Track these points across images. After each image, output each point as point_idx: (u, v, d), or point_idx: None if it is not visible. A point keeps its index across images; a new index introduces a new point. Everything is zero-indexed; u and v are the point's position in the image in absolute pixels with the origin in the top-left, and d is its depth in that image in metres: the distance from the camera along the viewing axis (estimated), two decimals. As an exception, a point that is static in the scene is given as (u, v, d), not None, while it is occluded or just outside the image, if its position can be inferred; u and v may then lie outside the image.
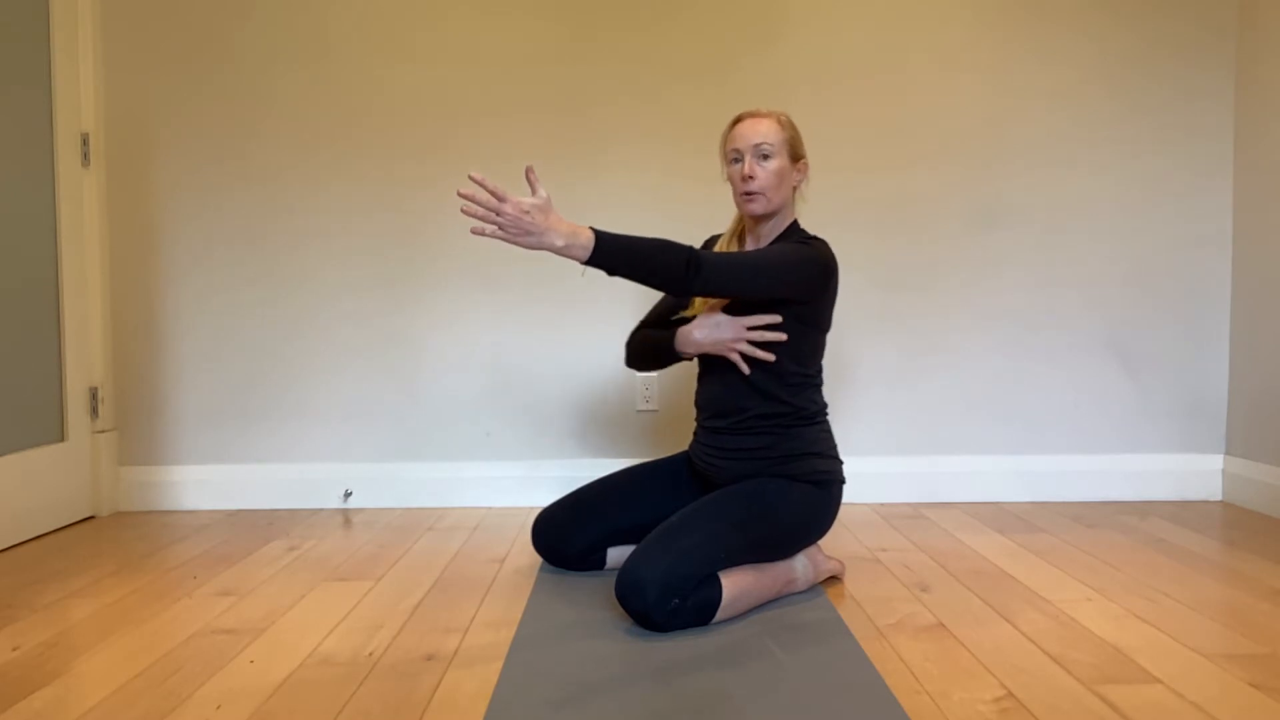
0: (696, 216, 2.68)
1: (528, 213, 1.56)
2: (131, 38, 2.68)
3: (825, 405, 1.94)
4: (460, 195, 1.55)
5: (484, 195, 1.55)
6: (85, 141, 2.62)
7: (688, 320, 1.92)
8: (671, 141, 2.71)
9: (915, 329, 2.76)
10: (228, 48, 2.70)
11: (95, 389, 2.66)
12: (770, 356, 1.82)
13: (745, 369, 1.82)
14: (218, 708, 1.35)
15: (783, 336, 1.81)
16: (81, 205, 2.61)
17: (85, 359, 2.63)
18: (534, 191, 1.60)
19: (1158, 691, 1.39)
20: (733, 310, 1.85)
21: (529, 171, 1.62)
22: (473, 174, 1.57)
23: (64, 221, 2.54)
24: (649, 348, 1.98)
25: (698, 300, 1.95)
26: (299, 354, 2.75)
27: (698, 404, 2.01)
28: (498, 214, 1.56)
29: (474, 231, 1.58)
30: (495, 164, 2.69)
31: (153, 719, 1.32)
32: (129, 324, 2.73)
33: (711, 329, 1.84)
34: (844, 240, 2.61)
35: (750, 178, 1.83)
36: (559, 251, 1.60)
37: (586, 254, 1.61)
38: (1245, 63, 2.69)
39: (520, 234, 1.57)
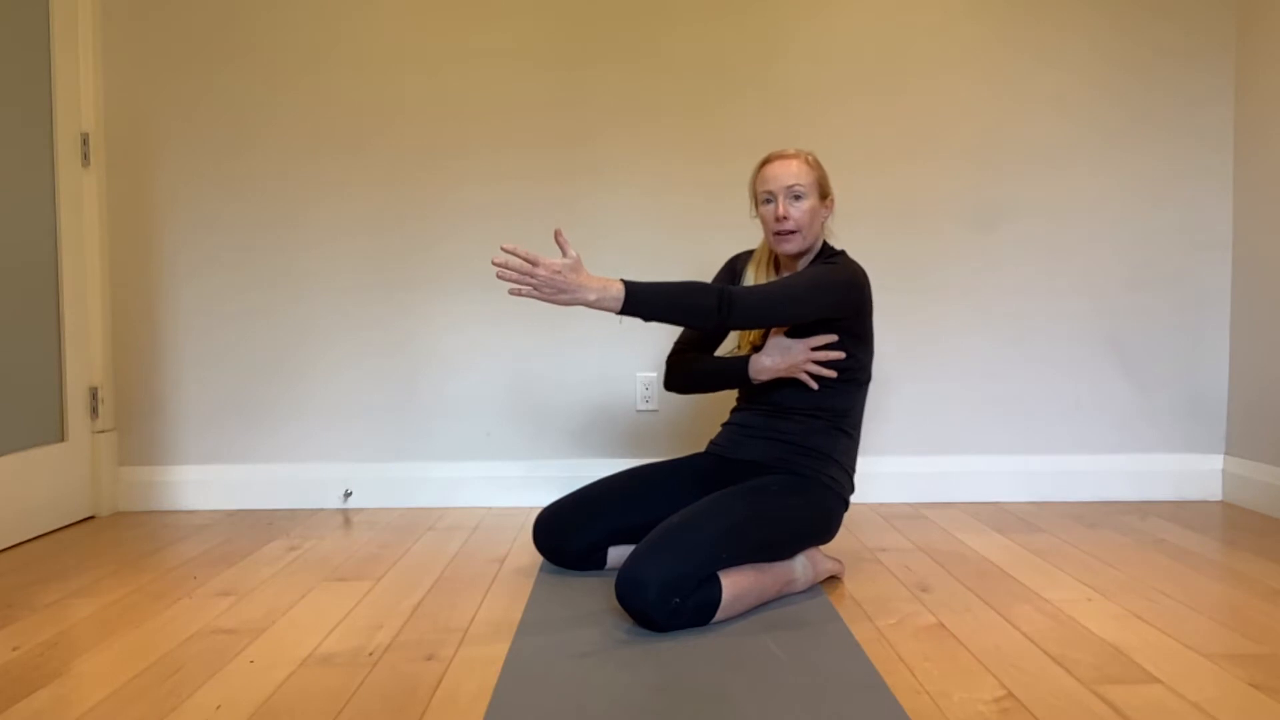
0: (700, 223, 2.69)
1: (559, 273, 1.64)
2: (131, 38, 2.68)
3: (860, 426, 2.01)
4: (494, 264, 1.64)
5: (517, 261, 1.64)
6: (85, 141, 2.61)
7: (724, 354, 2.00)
8: (674, 155, 2.71)
9: (916, 329, 2.76)
10: (229, 47, 2.70)
11: (95, 389, 2.66)
12: (833, 373, 1.90)
13: (814, 385, 1.91)
14: (218, 708, 1.35)
15: (842, 355, 1.90)
16: (81, 205, 2.61)
17: (85, 359, 2.63)
18: (564, 253, 1.67)
19: (1158, 691, 1.39)
20: (794, 333, 1.92)
21: (558, 234, 1.69)
22: (504, 245, 1.65)
23: (64, 221, 2.54)
24: (706, 374, 2.03)
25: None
26: (299, 354, 2.74)
27: (744, 395, 2.07)
28: (531, 276, 1.64)
29: (512, 293, 1.66)
30: (497, 166, 2.69)
31: (152, 719, 1.32)
32: (129, 324, 2.73)
33: (782, 354, 1.91)
34: (845, 241, 2.60)
35: (785, 218, 1.90)
36: (592, 305, 1.67)
37: (619, 305, 1.68)
38: (1245, 68, 2.69)
39: (555, 292, 1.66)
